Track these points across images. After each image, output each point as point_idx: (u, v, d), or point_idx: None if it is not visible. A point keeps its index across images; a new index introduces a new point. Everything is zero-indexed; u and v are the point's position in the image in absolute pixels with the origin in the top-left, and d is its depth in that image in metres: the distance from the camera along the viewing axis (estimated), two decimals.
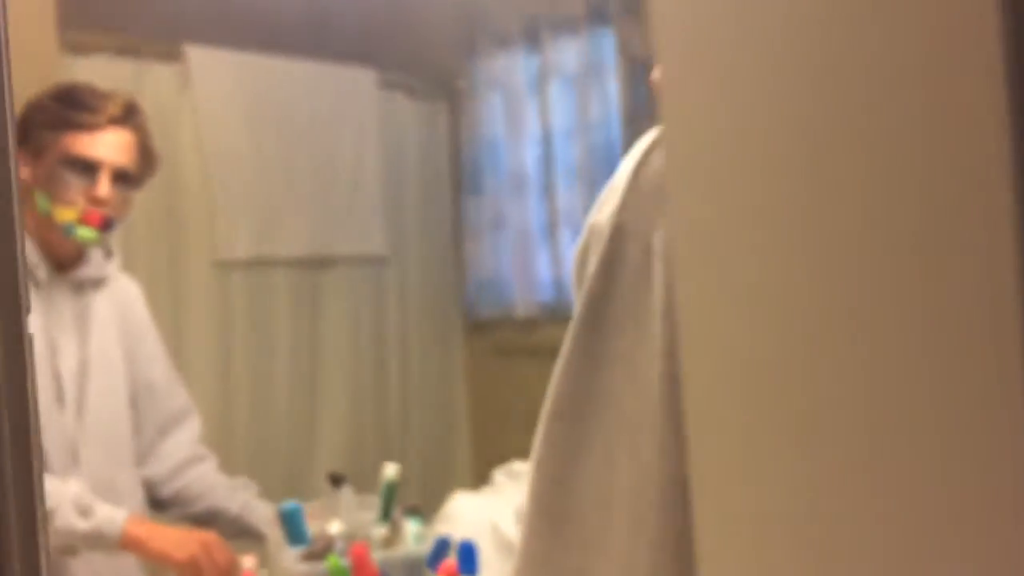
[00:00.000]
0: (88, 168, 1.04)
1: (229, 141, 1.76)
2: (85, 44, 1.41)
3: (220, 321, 1.79)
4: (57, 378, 1.06)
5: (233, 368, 1.81)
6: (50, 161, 1.04)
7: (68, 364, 1.07)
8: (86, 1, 1.35)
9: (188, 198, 1.71)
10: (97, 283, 1.12)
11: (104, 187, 1.04)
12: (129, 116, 1.07)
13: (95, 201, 1.04)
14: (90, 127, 1.04)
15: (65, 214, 1.03)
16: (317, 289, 1.93)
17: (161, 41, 1.61)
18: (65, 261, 1.08)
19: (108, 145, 1.05)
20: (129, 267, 1.23)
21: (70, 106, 1.04)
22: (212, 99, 1.73)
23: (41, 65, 1.23)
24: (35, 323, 0.42)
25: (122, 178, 1.06)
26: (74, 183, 1.03)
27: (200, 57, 1.69)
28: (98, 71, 1.44)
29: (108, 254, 1.13)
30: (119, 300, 1.14)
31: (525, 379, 2.04)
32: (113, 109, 1.05)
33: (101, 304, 1.11)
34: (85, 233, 1.04)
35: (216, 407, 1.72)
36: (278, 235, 1.84)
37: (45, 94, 1.06)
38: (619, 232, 0.52)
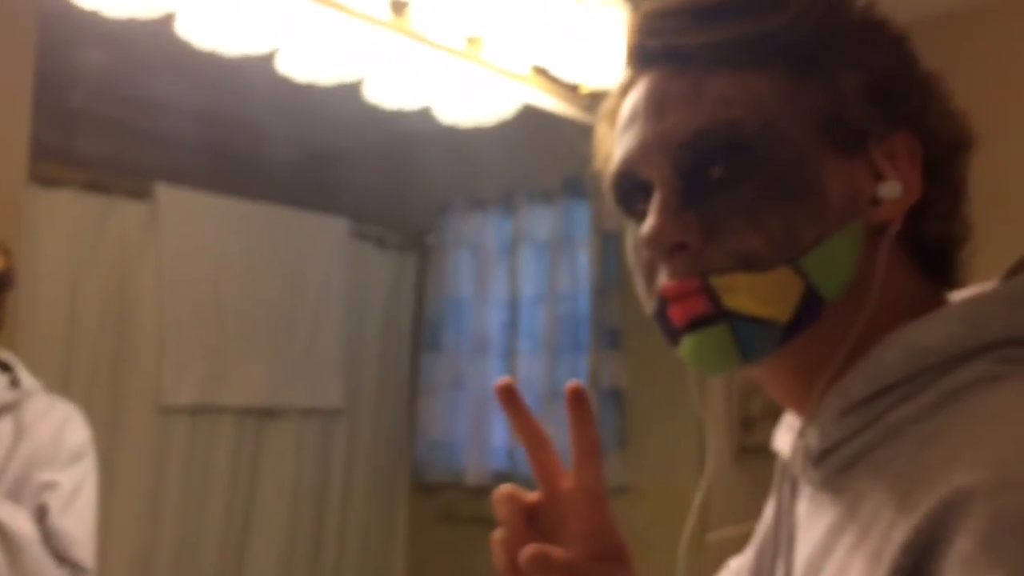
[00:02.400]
0: None
1: (189, 282, 1.73)
2: (55, 177, 1.39)
3: (156, 467, 1.70)
4: None
5: (163, 518, 1.71)
6: None
7: None
8: (61, 136, 1.34)
9: (138, 338, 1.65)
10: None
11: None
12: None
13: None
14: None
15: None
16: (262, 440, 1.85)
17: (133, 178, 1.60)
18: None
19: None
20: None
21: None
22: (177, 239, 1.70)
23: (5, 194, 1.20)
24: None
25: None
26: None
27: (169, 196, 1.67)
28: (65, 204, 1.42)
29: (14, 382, 1.07)
30: (26, 421, 1.08)
31: (470, 548, 1.95)
32: None
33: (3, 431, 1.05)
34: None
35: (139, 561, 1.61)
36: (228, 383, 1.78)
37: None
38: None
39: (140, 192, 1.62)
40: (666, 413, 1.92)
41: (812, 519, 0.58)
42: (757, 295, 0.54)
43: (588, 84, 1.61)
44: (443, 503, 2.03)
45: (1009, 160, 1.76)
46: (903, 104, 0.57)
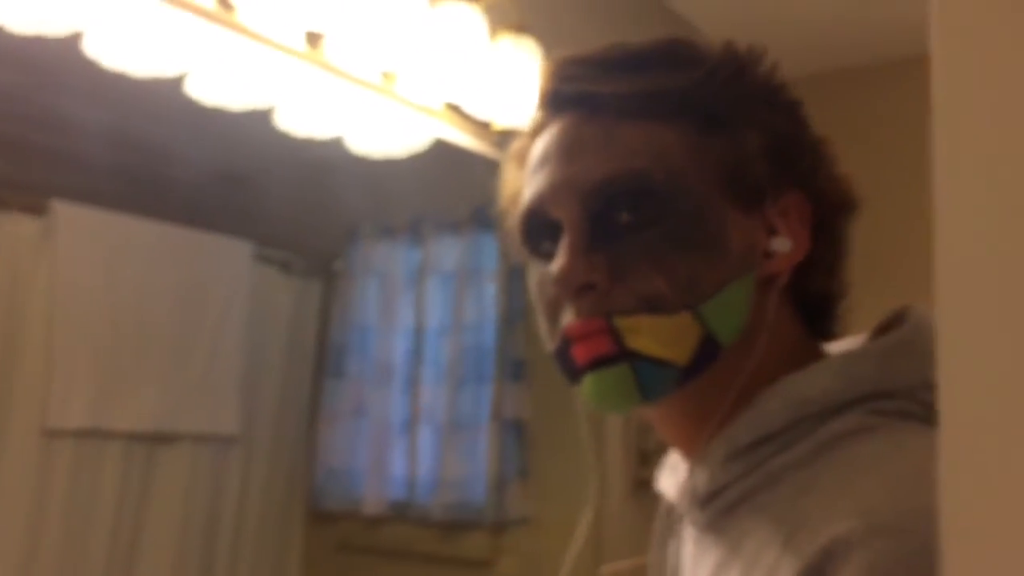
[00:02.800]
0: None
1: (83, 301, 1.67)
2: None
3: (38, 492, 1.63)
4: None
5: (43, 545, 1.64)
6: None
7: None
8: None
9: (25, 357, 1.59)
10: None
11: None
12: None
13: None
14: None
15: None
16: (152, 466, 1.80)
17: (28, 194, 1.54)
18: None
19: None
20: None
21: None
22: (72, 256, 1.65)
23: None
24: None
25: None
26: None
27: (65, 212, 1.62)
28: None
29: None
30: None
31: None
32: None
33: None
34: None
35: None
36: (119, 406, 1.73)
37: None
38: None
39: (35, 208, 1.56)
40: (568, 445, 1.94)
41: (698, 559, 0.60)
42: (659, 337, 0.56)
43: (499, 122, 1.62)
44: (340, 532, 2.00)
45: (885, 218, 1.85)
46: (797, 166, 0.61)
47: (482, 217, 2.01)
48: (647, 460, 2.07)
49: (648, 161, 0.57)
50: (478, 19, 1.44)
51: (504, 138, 1.72)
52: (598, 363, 0.57)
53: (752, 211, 0.59)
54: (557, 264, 0.57)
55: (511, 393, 2.01)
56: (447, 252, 2.05)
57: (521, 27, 1.54)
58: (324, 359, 2.08)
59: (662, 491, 0.67)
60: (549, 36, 1.65)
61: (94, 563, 1.69)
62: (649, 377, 0.57)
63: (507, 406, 2.01)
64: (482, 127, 1.63)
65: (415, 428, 2.01)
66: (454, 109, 1.56)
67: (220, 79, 1.33)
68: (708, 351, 0.57)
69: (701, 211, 0.57)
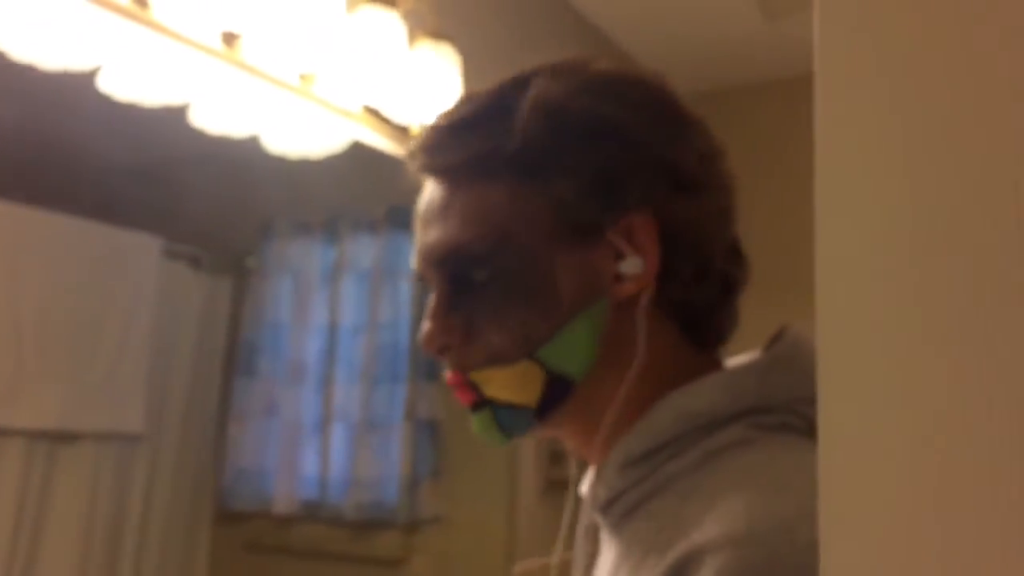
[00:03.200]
0: None
1: None
2: None
3: None
4: None
5: None
6: None
7: None
8: None
9: None
10: None
11: None
12: None
13: None
14: None
15: None
16: (53, 465, 1.75)
17: None
18: None
19: None
20: None
21: None
22: None
23: None
24: None
25: None
26: None
27: None
28: None
29: None
30: None
31: None
32: None
33: None
34: None
35: None
36: (19, 404, 1.67)
37: None
38: None
39: None
40: (481, 445, 1.97)
41: (603, 559, 0.64)
42: (507, 386, 0.63)
43: (417, 126, 1.63)
44: (249, 532, 1.98)
45: (785, 226, 1.92)
46: (631, 189, 0.62)
47: (398, 216, 2.01)
48: (558, 460, 2.11)
49: (476, 227, 0.62)
50: (397, 24, 1.44)
51: None
52: (471, 408, 0.65)
53: (594, 244, 0.62)
54: (422, 329, 0.65)
55: (425, 393, 2.02)
56: (363, 251, 2.04)
57: (439, 33, 1.55)
58: (235, 357, 2.05)
59: (583, 495, 0.71)
60: (466, 42, 1.66)
61: None
62: (507, 420, 0.63)
63: (421, 406, 2.02)
64: (401, 131, 1.64)
65: (328, 427, 2.00)
66: (373, 112, 1.56)
67: (134, 75, 1.31)
68: (557, 388, 0.63)
69: (527, 264, 0.62)
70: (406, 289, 2.03)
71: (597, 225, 0.62)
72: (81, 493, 1.78)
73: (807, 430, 0.58)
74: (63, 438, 1.75)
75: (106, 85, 1.31)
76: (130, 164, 1.79)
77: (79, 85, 1.30)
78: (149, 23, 1.16)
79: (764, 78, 2.50)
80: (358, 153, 1.72)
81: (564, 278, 0.62)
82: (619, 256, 0.62)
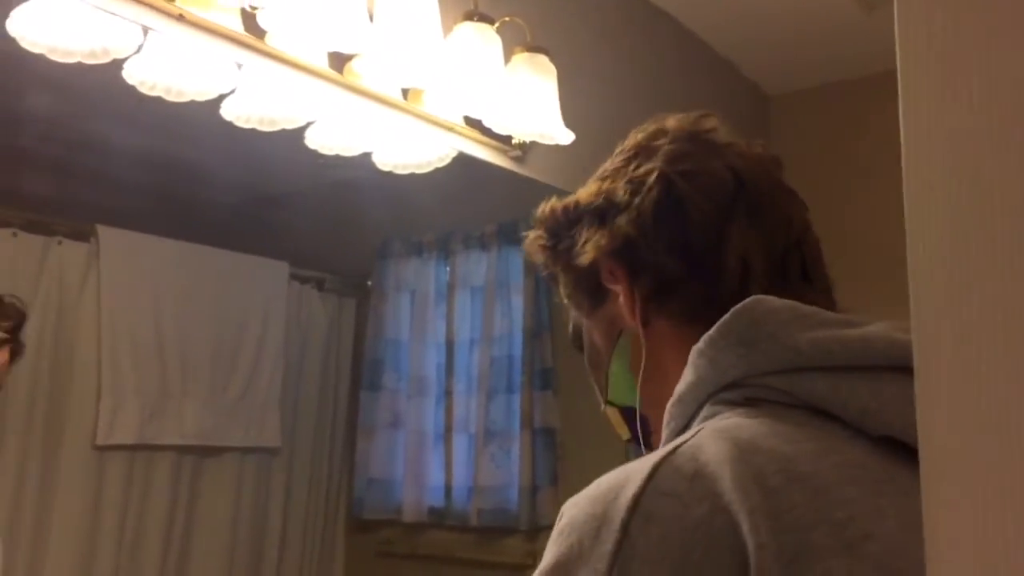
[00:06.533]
0: None
1: (129, 322, 1.76)
2: None
3: (92, 506, 1.71)
4: None
5: (99, 557, 1.72)
6: None
7: None
8: (12, 180, 1.38)
9: (76, 378, 1.68)
10: None
11: None
12: (13, 336, 1.07)
13: None
14: None
15: None
16: (199, 478, 1.87)
17: (74, 219, 1.64)
18: None
19: None
20: (3, 440, 1.19)
21: None
22: (118, 279, 1.74)
23: None
24: None
25: None
26: None
27: (111, 237, 1.71)
28: (5, 244, 1.45)
29: None
30: None
31: None
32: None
33: None
34: None
35: None
36: (166, 422, 1.81)
37: None
38: None
39: (81, 233, 1.66)
40: (598, 451, 1.99)
41: None
42: (617, 428, 0.75)
43: (518, 136, 1.70)
44: (381, 540, 2.06)
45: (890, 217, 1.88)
46: (573, 255, 0.73)
47: (508, 231, 2.07)
48: None
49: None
50: (493, 38, 1.52)
51: (525, 152, 1.80)
52: None
53: (603, 300, 0.72)
54: None
55: (540, 402, 2.07)
56: (475, 267, 2.12)
57: (534, 46, 1.62)
58: (360, 373, 2.15)
59: None
60: (562, 54, 1.72)
61: (148, 571, 1.76)
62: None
63: (537, 415, 2.06)
64: (503, 141, 1.71)
65: (450, 437, 2.07)
66: (475, 124, 1.63)
67: (251, 102, 1.42)
68: (630, 418, 0.72)
69: (583, 336, 0.76)
70: (518, 302, 2.09)
71: (596, 288, 0.72)
72: (225, 503, 1.90)
73: (785, 402, 0.56)
74: (207, 452, 1.88)
75: (227, 114, 1.43)
76: (250, 191, 1.92)
77: (200, 115, 1.42)
78: (265, 52, 1.27)
79: (863, 72, 2.47)
80: (466, 172, 1.80)
81: (596, 334, 0.73)
82: (616, 301, 0.71)
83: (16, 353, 1.07)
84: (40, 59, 1.18)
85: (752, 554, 0.46)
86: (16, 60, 1.20)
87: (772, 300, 0.59)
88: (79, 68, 1.23)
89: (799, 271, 0.67)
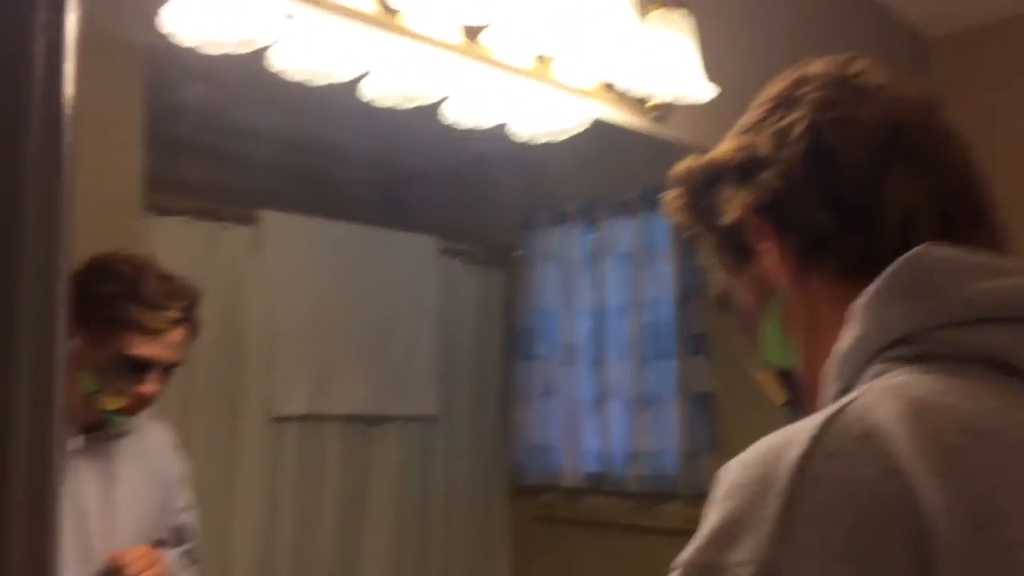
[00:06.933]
0: (142, 366, 1.10)
1: (294, 301, 1.86)
2: (168, 206, 1.54)
3: (271, 473, 1.83)
4: (85, 539, 1.08)
5: (280, 520, 1.84)
6: (105, 352, 1.08)
7: (96, 524, 1.09)
8: (169, 166, 1.48)
9: (249, 356, 1.79)
10: (118, 439, 1.16)
11: (154, 384, 1.10)
12: (189, 315, 1.13)
13: (142, 397, 1.09)
14: (152, 332, 1.09)
15: (111, 403, 1.08)
16: (368, 445, 1.97)
17: (239, 205, 1.74)
18: (88, 426, 1.12)
19: (166, 346, 1.11)
20: (188, 419, 1.28)
21: (136, 301, 1.09)
22: (282, 261, 1.84)
23: (125, 221, 1.34)
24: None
25: (170, 368, 1.13)
26: (126, 378, 1.09)
27: (274, 221, 1.81)
28: (177, 230, 1.57)
29: None
30: (146, 450, 1.19)
31: (568, 549, 2.02)
32: (176, 313, 1.11)
33: (124, 459, 1.15)
34: (124, 421, 1.10)
35: (259, 560, 1.74)
36: (333, 393, 1.91)
37: (116, 271, 1.11)
38: None
39: (245, 218, 1.76)
40: (757, 415, 1.95)
41: None
42: (770, 393, 0.73)
43: (656, 97, 1.67)
44: (541, 504, 2.10)
45: None
46: (715, 216, 0.70)
47: (652, 196, 2.05)
48: None
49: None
50: None
51: (661, 113, 1.77)
52: None
53: (747, 261, 0.69)
54: None
55: (694, 367, 2.04)
56: (621, 233, 2.11)
57: (671, 1, 1.59)
58: (512, 343, 2.19)
59: None
60: (700, 7, 1.68)
61: (326, 532, 1.88)
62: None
63: (692, 380, 2.04)
64: (638, 104, 1.69)
65: (604, 404, 2.08)
66: (609, 88, 1.62)
67: (388, 81, 1.47)
68: (786, 381, 0.69)
69: (731, 300, 0.73)
70: (666, 267, 2.07)
71: (737, 250, 0.69)
72: (392, 470, 1.99)
73: (959, 357, 0.54)
74: (373, 421, 1.97)
75: (366, 94, 1.48)
76: (392, 168, 1.99)
77: (341, 97, 1.48)
78: (398, 29, 1.31)
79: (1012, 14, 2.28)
80: (606, 138, 1.79)
81: (744, 295, 0.71)
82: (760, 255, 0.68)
83: (193, 331, 1.16)
84: (192, 52, 1.27)
85: (933, 520, 0.44)
86: (171, 55, 1.28)
87: (939, 249, 0.56)
88: (225, 59, 1.30)
89: (968, 218, 0.63)
